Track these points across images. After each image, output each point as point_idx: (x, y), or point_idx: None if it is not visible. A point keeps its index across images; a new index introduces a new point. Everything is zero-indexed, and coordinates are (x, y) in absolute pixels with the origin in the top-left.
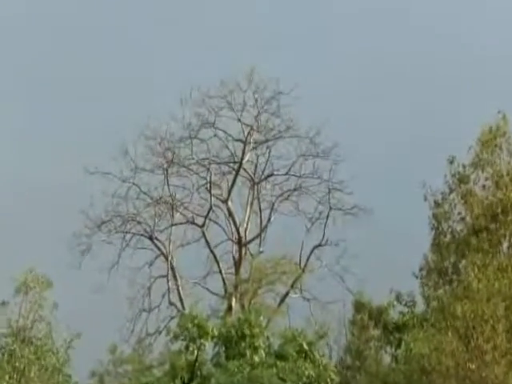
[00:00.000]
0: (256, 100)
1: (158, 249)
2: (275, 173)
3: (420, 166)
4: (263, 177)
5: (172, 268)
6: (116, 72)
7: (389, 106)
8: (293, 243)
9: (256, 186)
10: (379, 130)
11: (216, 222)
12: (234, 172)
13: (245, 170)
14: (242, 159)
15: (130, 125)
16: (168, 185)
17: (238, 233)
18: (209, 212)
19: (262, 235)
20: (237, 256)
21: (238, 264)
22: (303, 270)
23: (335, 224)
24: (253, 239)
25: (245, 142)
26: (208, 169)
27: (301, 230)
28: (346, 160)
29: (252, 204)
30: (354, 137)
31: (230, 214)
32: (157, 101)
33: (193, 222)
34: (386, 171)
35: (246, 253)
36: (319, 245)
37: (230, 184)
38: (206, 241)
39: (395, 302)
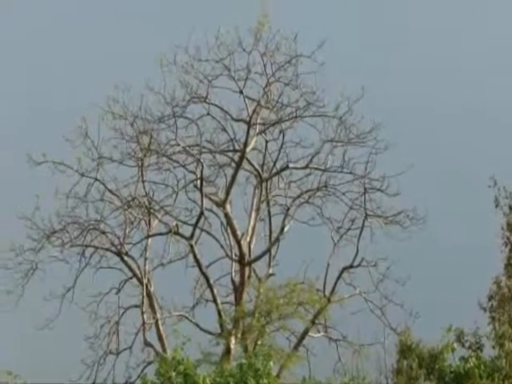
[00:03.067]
0: (265, 65)
1: (130, 269)
2: (291, 165)
3: (490, 159)
4: (274, 171)
5: (149, 295)
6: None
7: (447, 78)
8: (315, 263)
9: (264, 184)
10: (432, 110)
11: (209, 233)
12: (233, 164)
13: (249, 161)
14: (245, 147)
15: (92, 98)
16: (143, 181)
17: (240, 248)
18: (199, 219)
19: (273, 251)
20: (237, 280)
21: (239, 291)
22: (329, 300)
23: (373, 237)
24: (260, 257)
25: (249, 123)
26: (198, 160)
27: (326, 245)
28: (390, 149)
29: (259, 209)
30: (399, 118)
31: (229, 221)
32: (129, 66)
33: (177, 233)
34: (442, 166)
35: (250, 275)
36: (351, 265)
37: (228, 181)
38: (196, 258)
39: (455, 344)
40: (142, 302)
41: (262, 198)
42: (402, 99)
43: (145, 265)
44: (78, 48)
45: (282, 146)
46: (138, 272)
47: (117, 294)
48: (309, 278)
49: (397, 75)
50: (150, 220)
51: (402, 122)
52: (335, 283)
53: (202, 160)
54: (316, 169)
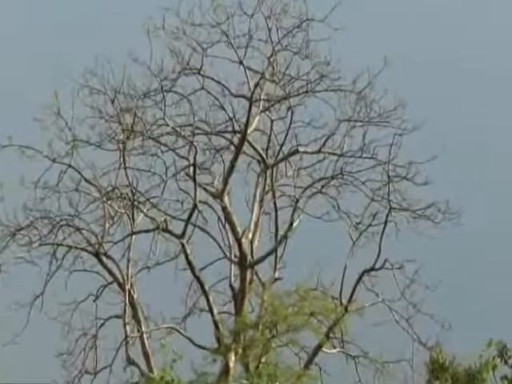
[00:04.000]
0: (270, 30)
1: (110, 272)
2: (301, 149)
3: None
4: (281, 156)
5: (132, 304)
6: None
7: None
8: (329, 265)
9: (269, 171)
10: (468, 82)
11: (204, 230)
12: (233, 148)
13: (251, 144)
14: (246, 127)
15: (65, 68)
16: (126, 168)
17: (240, 247)
18: (192, 213)
19: (279, 251)
20: (237, 285)
21: (239, 298)
22: (346, 309)
23: (399, 234)
24: (264, 258)
25: (251, 100)
26: (191, 142)
27: (342, 244)
28: (418, 130)
29: (263, 201)
30: (429, 93)
31: (227, 216)
32: (110, 33)
33: (166, 230)
34: (478, 149)
35: (252, 280)
36: (372, 268)
37: (226, 168)
38: (188, 260)
39: (496, 361)
40: (125, 312)
41: (267, 188)
42: (432, 71)
43: (127, 267)
44: (48, 14)
45: (289, 127)
46: (119, 276)
47: (94, 301)
48: (322, 283)
49: (426, 42)
50: (133, 214)
51: (432, 97)
52: (354, 289)
53: (195, 143)
54: (330, 153)
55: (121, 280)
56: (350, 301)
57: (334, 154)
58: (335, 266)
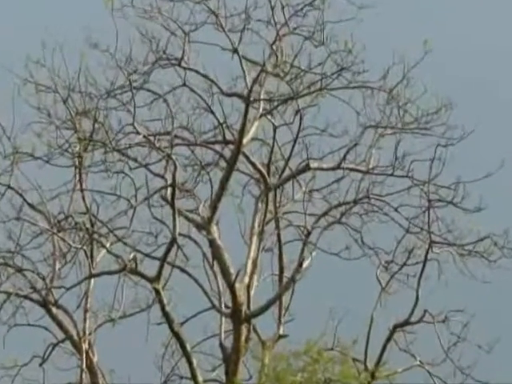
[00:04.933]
0: (273, 8)
1: (61, 327)
2: (313, 165)
3: None
4: (288, 174)
5: (90, 369)
6: None
7: None
8: (350, 318)
9: (272, 194)
10: None
11: (185, 271)
12: (224, 163)
13: (248, 158)
14: (241, 136)
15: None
16: (82, 190)
17: (234, 294)
18: (169, 249)
19: (285, 299)
20: (230, 344)
21: (232, 361)
22: (373, 376)
23: (442, 276)
24: (264, 309)
25: (248, 99)
26: (169, 156)
27: (368, 289)
28: (467, 140)
29: (263, 232)
30: (480, 92)
31: (216, 252)
32: (61, 8)
33: (135, 271)
34: None
35: (249, 338)
36: (407, 322)
37: (215, 190)
38: (164, 311)
39: None
40: (81, 380)
41: (269, 217)
42: (487, 63)
43: (85, 320)
44: None
45: (298, 135)
46: (73, 332)
47: (41, 365)
48: (341, 342)
49: (476, 27)
50: (92, 251)
51: (486, 97)
52: (383, 349)
53: (174, 157)
54: (352, 170)
55: (76, 337)
56: (377, 365)
57: (358, 171)
58: (358, 320)
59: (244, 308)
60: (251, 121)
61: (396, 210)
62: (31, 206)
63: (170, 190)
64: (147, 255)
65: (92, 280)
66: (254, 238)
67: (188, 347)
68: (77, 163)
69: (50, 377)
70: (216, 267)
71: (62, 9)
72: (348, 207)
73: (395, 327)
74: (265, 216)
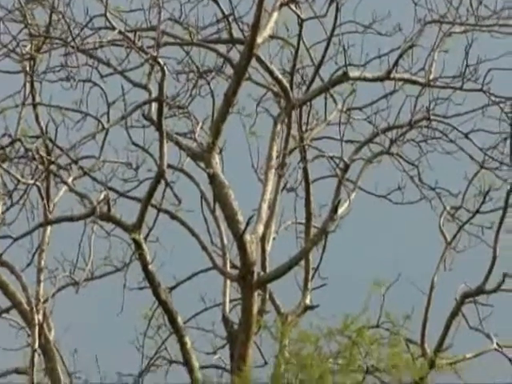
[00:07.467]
0: None
1: (6, 293)
2: (352, 74)
3: None
4: (319, 86)
5: (45, 349)
6: None
7: None
8: (401, 284)
9: (297, 114)
10: None
11: (176, 217)
12: (230, 70)
13: (263, 63)
14: (254, 32)
15: None
16: (35, 104)
17: (244, 250)
18: (155, 187)
19: (312, 260)
20: (238, 318)
21: (239, 341)
22: (432, 363)
23: None
24: (284, 271)
25: None
26: (154, 59)
27: (425, 245)
28: None
29: (283, 165)
30: None
31: (219, 192)
32: None
33: (108, 217)
34: None
35: (263, 309)
36: (480, 290)
37: (217, 105)
38: (147, 270)
39: None
40: (32, 364)
41: (292, 144)
42: None
43: (38, 283)
44: None
45: (333, 33)
46: (22, 299)
47: None
48: (390, 316)
49: None
50: (48, 188)
51: None
52: (447, 327)
53: (161, 60)
54: (407, 81)
55: (25, 305)
56: (439, 348)
57: (414, 83)
58: (413, 287)
59: (257, 269)
60: (269, 11)
61: (466, 136)
62: None
63: (155, 105)
64: (124, 195)
65: (48, 228)
66: (271, 173)
67: (179, 321)
68: (27, 68)
69: None
70: (218, 212)
71: None
72: (401, 132)
73: (464, 297)
74: (286, 143)
